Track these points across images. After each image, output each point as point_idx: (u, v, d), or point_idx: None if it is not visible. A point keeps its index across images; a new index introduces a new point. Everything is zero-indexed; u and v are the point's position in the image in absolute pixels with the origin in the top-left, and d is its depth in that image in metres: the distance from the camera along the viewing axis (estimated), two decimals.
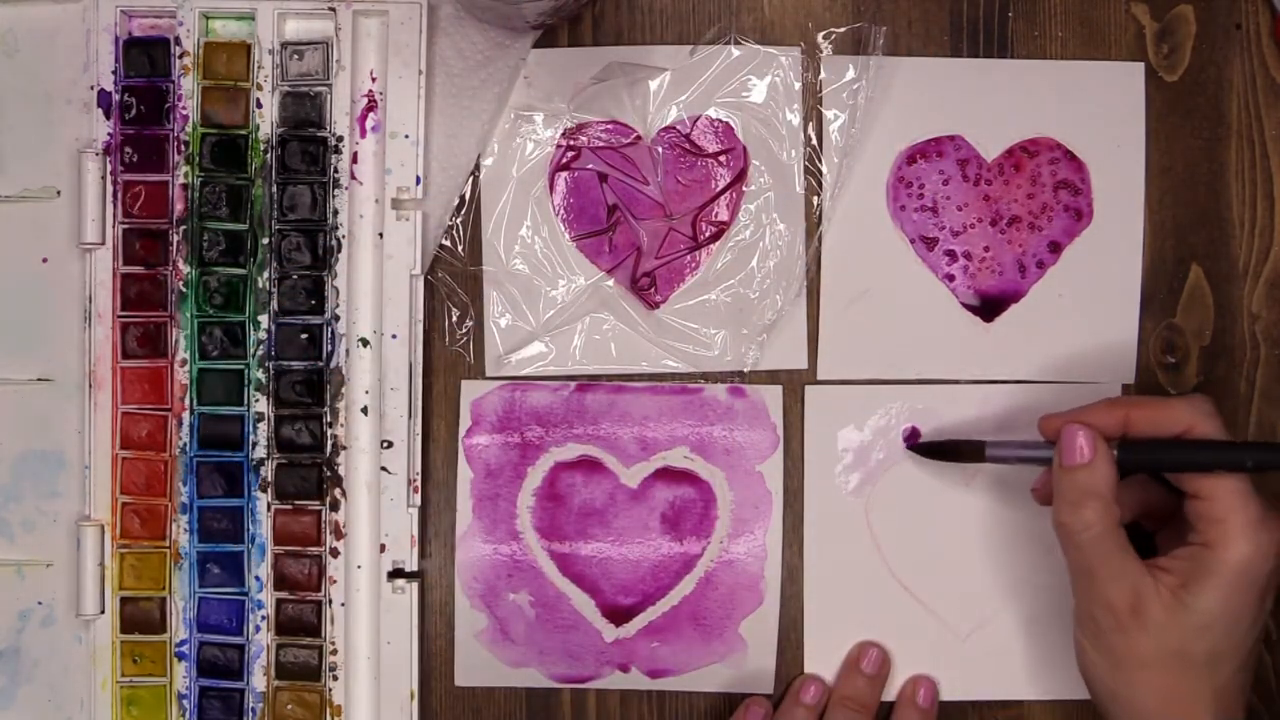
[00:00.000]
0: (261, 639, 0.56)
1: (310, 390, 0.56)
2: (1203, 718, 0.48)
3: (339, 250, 0.56)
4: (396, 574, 0.56)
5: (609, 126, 0.58)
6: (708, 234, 0.58)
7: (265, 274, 0.56)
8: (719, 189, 0.58)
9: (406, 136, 0.56)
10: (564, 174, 0.58)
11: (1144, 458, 0.50)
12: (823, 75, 0.58)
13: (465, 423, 0.58)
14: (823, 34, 0.58)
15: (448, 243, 0.58)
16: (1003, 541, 0.58)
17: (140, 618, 0.56)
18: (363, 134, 0.56)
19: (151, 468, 0.56)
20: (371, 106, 0.56)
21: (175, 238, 0.56)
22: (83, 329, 0.56)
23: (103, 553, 0.56)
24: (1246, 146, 0.58)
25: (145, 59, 0.56)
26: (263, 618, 0.56)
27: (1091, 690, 0.51)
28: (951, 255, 0.58)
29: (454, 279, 0.58)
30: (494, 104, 0.57)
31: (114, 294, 0.56)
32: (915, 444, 0.58)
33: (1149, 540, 0.54)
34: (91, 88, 0.56)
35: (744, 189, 0.58)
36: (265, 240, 0.56)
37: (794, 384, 0.58)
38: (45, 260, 0.57)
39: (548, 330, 0.58)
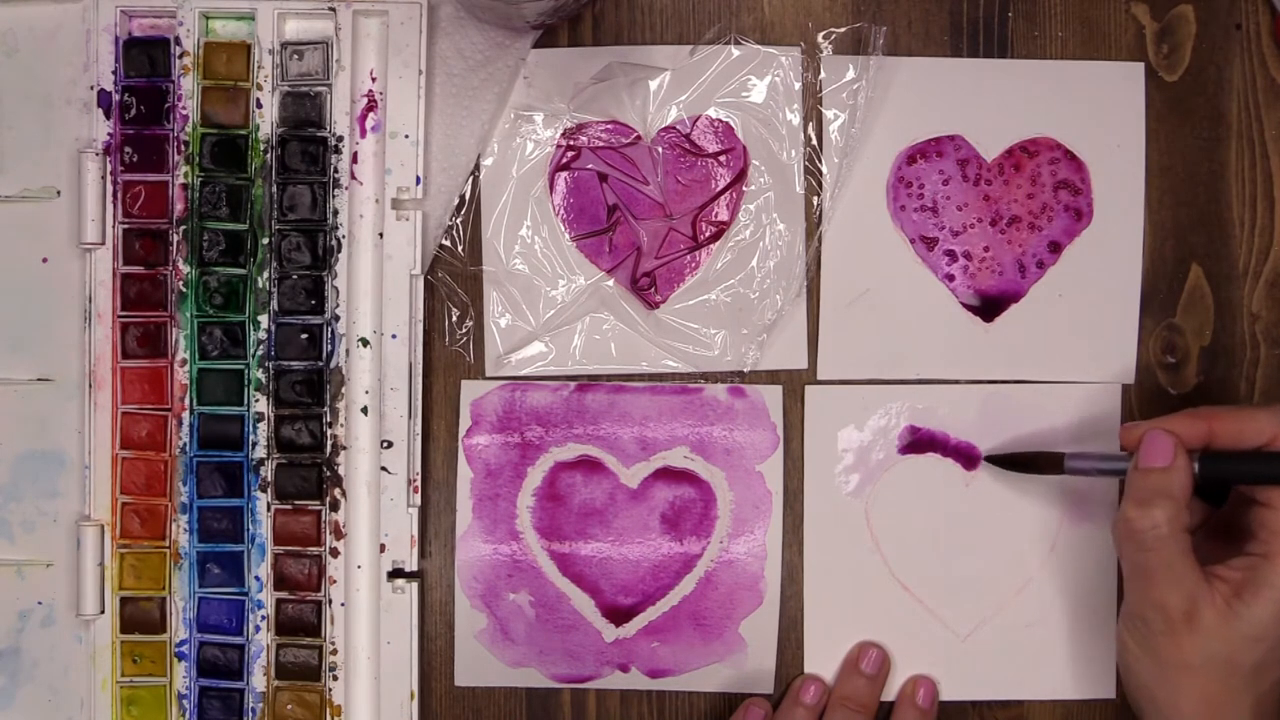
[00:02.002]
0: (261, 639, 0.56)
1: (310, 390, 0.56)
2: None
3: (339, 250, 0.56)
4: (396, 574, 0.56)
5: (609, 126, 0.58)
6: (708, 234, 0.58)
7: (265, 274, 0.56)
8: (719, 189, 0.58)
9: (406, 136, 0.56)
10: (564, 174, 0.58)
11: (1226, 469, 0.50)
12: (823, 75, 0.58)
13: (465, 423, 0.58)
14: (823, 34, 0.58)
15: (448, 243, 0.58)
16: (1003, 542, 0.58)
17: (140, 618, 0.56)
18: (363, 134, 0.56)
19: (151, 468, 0.56)
20: (371, 106, 0.56)
21: (175, 238, 0.56)
22: (83, 329, 0.56)
23: (103, 553, 0.56)
24: (1246, 146, 0.58)
25: (145, 59, 0.56)
26: (263, 618, 0.56)
27: (1129, 688, 0.52)
28: (951, 255, 0.58)
29: (454, 279, 0.58)
30: (494, 104, 0.57)
31: (114, 294, 0.56)
32: (993, 456, 0.57)
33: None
34: (91, 88, 0.56)
35: (744, 189, 0.58)
36: (265, 240, 0.56)
37: (794, 384, 0.58)
38: (45, 260, 0.57)
39: (548, 330, 0.58)
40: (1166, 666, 0.49)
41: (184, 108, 0.56)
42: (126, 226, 0.56)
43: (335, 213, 0.56)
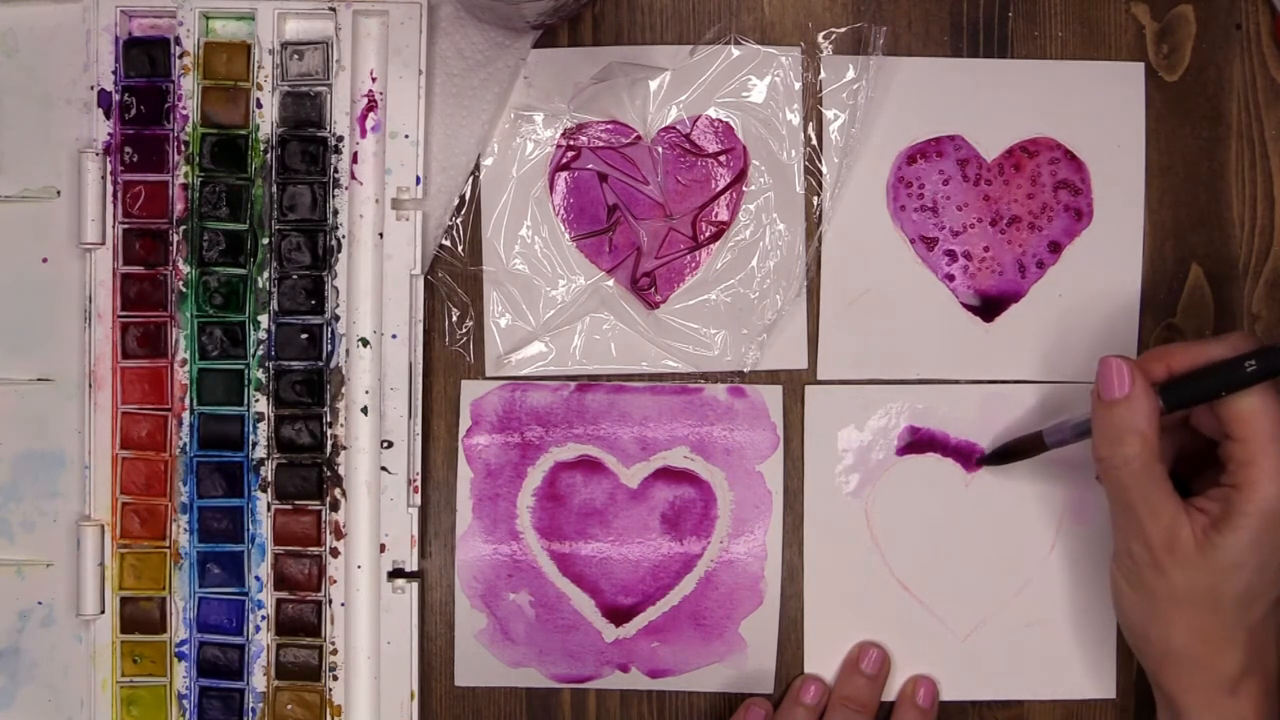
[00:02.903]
0: (261, 639, 0.56)
1: (310, 390, 0.56)
2: (1233, 656, 0.49)
3: (339, 250, 0.56)
4: (396, 574, 0.56)
5: (609, 126, 0.58)
6: (708, 234, 0.58)
7: (265, 274, 0.56)
8: (719, 189, 0.58)
9: (406, 136, 0.56)
10: (564, 174, 0.58)
11: (1185, 391, 0.49)
12: (823, 75, 0.58)
13: (465, 423, 0.58)
14: (823, 34, 0.58)
15: (448, 243, 0.58)
16: (1003, 541, 0.58)
17: (140, 618, 0.56)
18: (363, 134, 0.56)
19: (151, 468, 0.56)
20: (371, 106, 0.56)
21: (175, 238, 0.56)
22: (83, 329, 0.56)
23: (103, 553, 0.56)
24: (1246, 146, 0.58)
25: (145, 59, 0.56)
26: (263, 618, 0.56)
27: (1125, 627, 0.52)
28: (951, 255, 0.58)
29: (454, 279, 0.58)
30: (494, 104, 0.57)
31: (114, 294, 0.56)
32: (984, 458, 0.58)
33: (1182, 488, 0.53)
34: (91, 88, 0.56)
35: (744, 189, 0.58)
36: (265, 240, 0.56)
37: (794, 384, 0.58)
38: (45, 260, 0.57)
39: (548, 330, 0.58)
40: (1156, 601, 0.50)
41: (184, 108, 0.56)
42: (126, 226, 0.56)
43: (335, 213, 0.56)
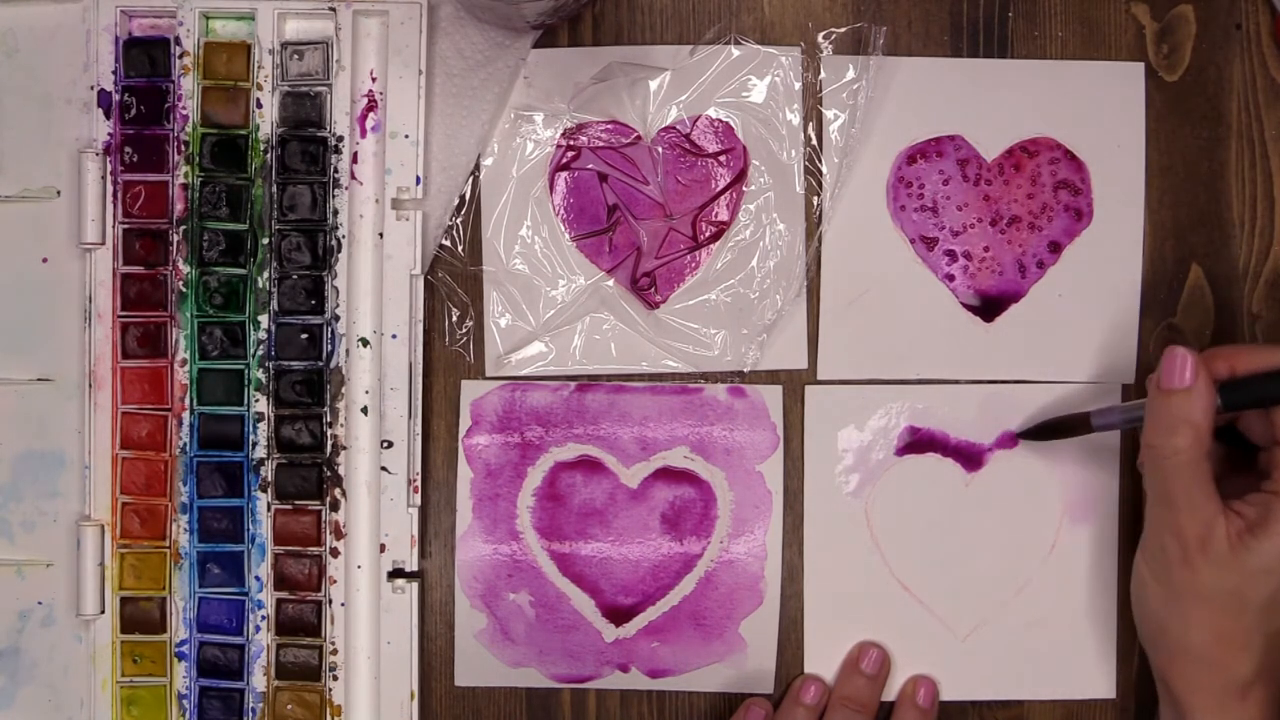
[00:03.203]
0: (261, 639, 0.56)
1: (310, 390, 0.56)
2: (1247, 661, 0.49)
3: (339, 250, 0.56)
4: (396, 574, 0.56)
5: (609, 126, 0.58)
6: (708, 234, 0.58)
7: (265, 274, 0.56)
8: (719, 189, 0.58)
9: (406, 136, 0.56)
10: (564, 174, 0.58)
11: (1247, 393, 0.49)
12: (823, 75, 0.58)
13: (465, 423, 0.58)
14: (823, 34, 0.58)
15: (448, 243, 0.58)
16: (1003, 541, 0.58)
17: (140, 618, 0.56)
18: (363, 134, 0.56)
19: (151, 468, 0.56)
20: (371, 106, 0.56)
21: (175, 238, 0.56)
22: (83, 329, 0.56)
23: (103, 553, 0.56)
24: (1246, 146, 0.58)
25: (145, 59, 0.56)
26: (263, 618, 0.56)
27: (1141, 621, 0.52)
28: (951, 255, 0.58)
29: (454, 279, 0.58)
30: (494, 104, 0.57)
31: (114, 294, 0.56)
32: (1024, 431, 0.58)
33: None
34: (91, 88, 0.56)
35: (744, 189, 0.58)
36: (265, 240, 0.56)
37: (794, 384, 0.58)
38: (45, 260, 0.57)
39: (548, 330, 0.58)
40: (1180, 596, 0.50)
41: (184, 108, 0.56)
42: (126, 226, 0.56)
43: (335, 213, 0.56)
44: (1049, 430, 0.57)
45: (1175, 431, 0.49)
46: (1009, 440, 0.58)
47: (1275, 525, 0.48)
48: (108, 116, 0.56)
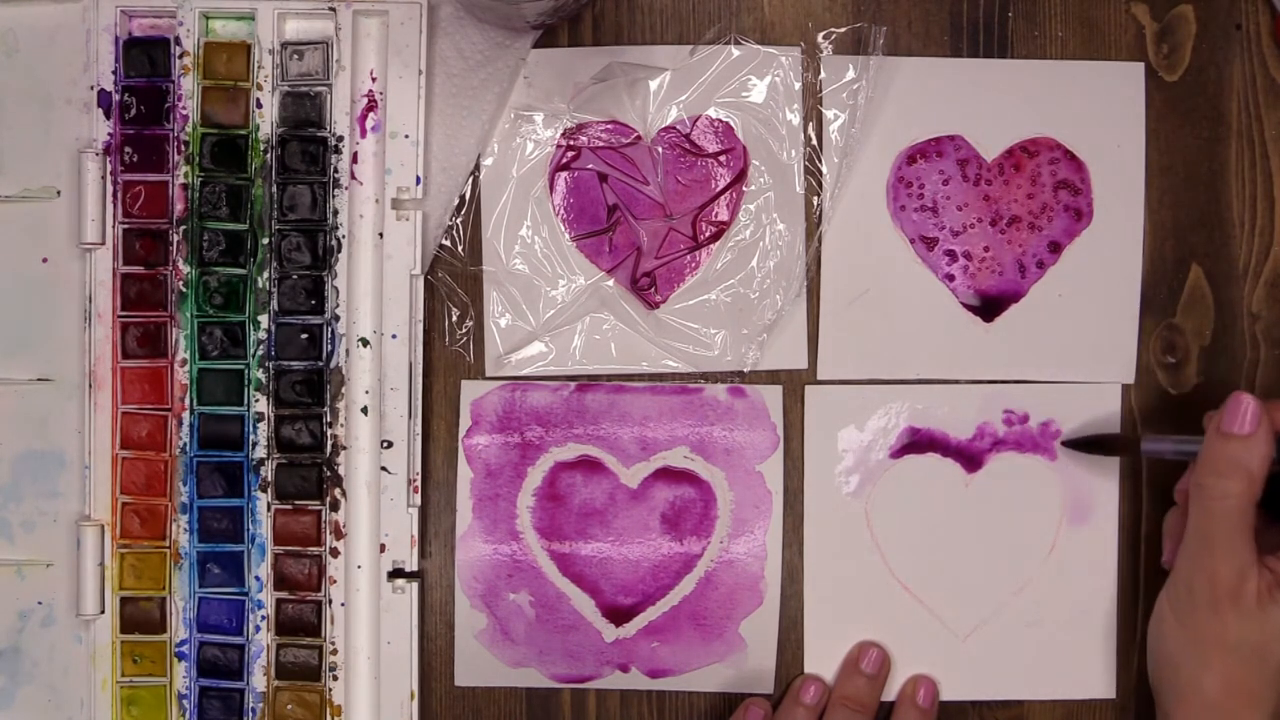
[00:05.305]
0: (261, 639, 0.56)
1: (310, 390, 0.56)
2: (1256, 716, 0.49)
3: (339, 250, 0.56)
4: (396, 574, 0.56)
5: (609, 126, 0.58)
6: (708, 234, 0.58)
7: (265, 274, 0.56)
8: (719, 189, 0.58)
9: (406, 136, 0.56)
10: (564, 174, 0.58)
11: None
12: (823, 75, 0.58)
13: (465, 423, 0.58)
14: (823, 34, 0.58)
15: (448, 243, 0.58)
16: (1003, 541, 0.58)
17: (140, 618, 0.56)
18: (363, 134, 0.56)
19: (151, 468, 0.56)
20: (371, 106, 0.56)
21: (175, 238, 0.56)
22: (83, 329, 0.56)
23: (103, 553, 0.56)
24: (1246, 146, 0.58)
25: (145, 59, 0.56)
26: (263, 618, 0.56)
27: (1155, 660, 0.52)
28: (951, 255, 0.58)
29: (454, 279, 0.58)
30: (494, 104, 0.57)
31: (114, 294, 0.56)
32: (1069, 440, 0.57)
33: None
34: (91, 88, 0.56)
35: (744, 189, 0.58)
36: (265, 240, 0.56)
37: (794, 384, 0.58)
38: (45, 260, 0.57)
39: (548, 330, 0.58)
40: (1200, 641, 0.50)
41: (184, 108, 0.56)
42: (126, 226, 0.56)
43: (335, 213, 0.56)
44: (1095, 445, 0.57)
45: (1229, 475, 0.49)
46: (1009, 440, 0.58)
47: None
48: (108, 116, 0.56)
